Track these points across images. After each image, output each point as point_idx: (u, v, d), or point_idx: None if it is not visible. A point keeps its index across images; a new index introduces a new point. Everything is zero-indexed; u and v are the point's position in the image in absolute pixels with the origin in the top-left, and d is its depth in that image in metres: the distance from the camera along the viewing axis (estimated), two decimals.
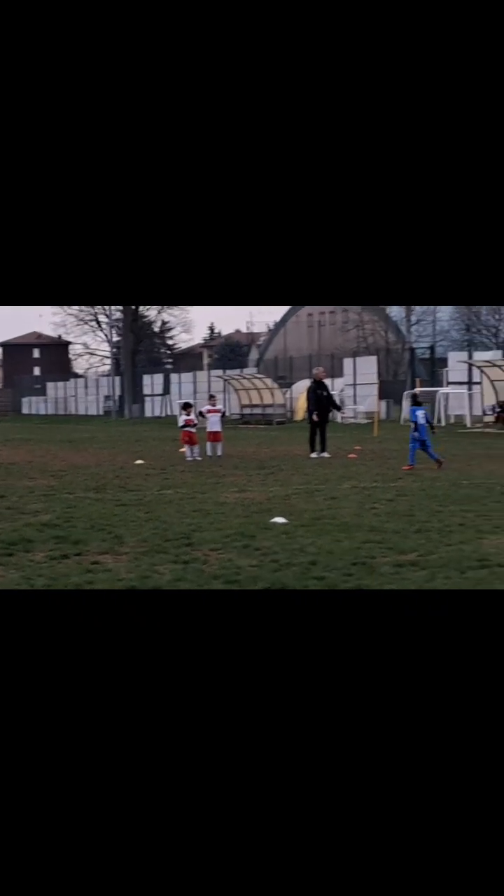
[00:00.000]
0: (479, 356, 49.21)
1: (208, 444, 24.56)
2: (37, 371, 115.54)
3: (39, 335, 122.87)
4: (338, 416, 42.59)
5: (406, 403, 46.97)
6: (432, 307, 63.25)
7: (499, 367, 42.52)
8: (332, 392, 30.79)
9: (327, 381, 27.27)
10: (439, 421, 43.52)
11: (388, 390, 53.52)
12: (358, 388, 51.52)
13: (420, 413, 20.43)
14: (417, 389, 30.65)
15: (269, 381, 53.68)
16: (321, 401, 25.31)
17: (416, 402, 21.57)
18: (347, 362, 54.24)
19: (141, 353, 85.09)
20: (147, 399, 73.13)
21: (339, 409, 25.44)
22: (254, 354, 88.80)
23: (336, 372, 55.44)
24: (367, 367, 52.13)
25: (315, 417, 24.75)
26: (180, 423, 25.97)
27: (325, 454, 24.38)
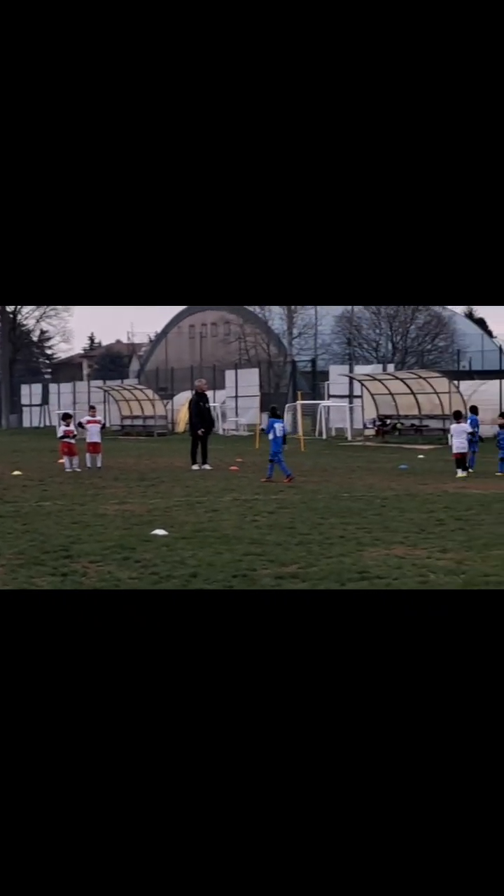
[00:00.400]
0: (360, 370, 49.90)
1: (88, 456, 24.27)
2: None
3: None
4: (219, 429, 42.63)
5: (289, 415, 47.34)
6: (314, 320, 63.94)
7: (379, 380, 43.18)
8: (213, 405, 30.82)
9: (209, 394, 27.24)
10: (320, 434, 43.96)
11: (270, 403, 53.76)
12: (239, 400, 51.68)
13: (278, 426, 20.64)
14: (299, 402, 30.92)
15: (150, 393, 53.48)
16: (203, 413, 25.29)
17: (274, 413, 21.76)
18: (229, 374, 54.40)
19: (19, 362, 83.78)
20: (25, 409, 72.01)
21: (211, 425, 25.65)
22: (135, 365, 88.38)
23: (218, 384, 55.55)
24: (249, 380, 52.36)
25: (200, 432, 24.69)
26: (59, 433, 25.60)
27: (207, 466, 24.35)
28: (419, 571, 9.45)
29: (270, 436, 20.68)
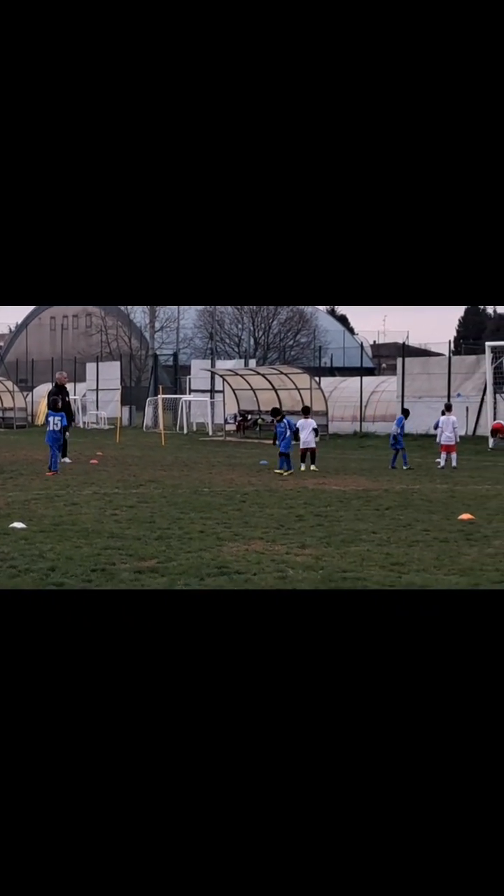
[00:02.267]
0: (222, 364, 50.09)
1: None
2: None
3: None
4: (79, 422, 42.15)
5: (150, 409, 47.18)
6: (176, 314, 63.86)
7: (241, 376, 43.39)
8: (74, 397, 30.44)
9: (69, 386, 26.93)
10: (182, 428, 43.92)
11: (131, 396, 53.54)
12: (100, 393, 51.24)
13: (55, 419, 21.07)
14: (160, 396, 30.87)
15: (9, 384, 52.48)
16: (63, 406, 25.00)
17: (54, 407, 22.19)
18: (90, 367, 53.86)
19: None
20: None
21: (71, 418, 25.67)
22: None
23: (79, 377, 54.92)
24: (111, 373, 51.98)
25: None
26: None
27: (66, 459, 24.04)
28: (278, 567, 9.51)
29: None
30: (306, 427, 22.53)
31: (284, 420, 22.35)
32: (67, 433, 24.69)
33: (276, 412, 23.94)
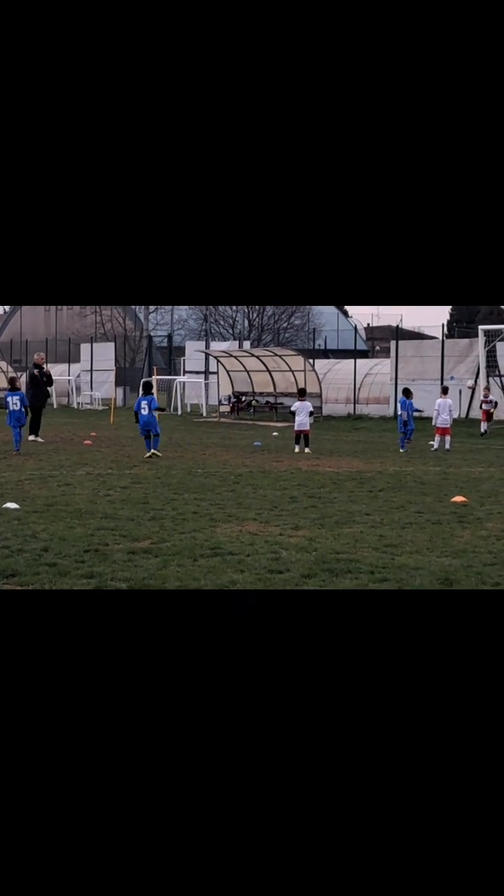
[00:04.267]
0: (216, 346, 50.01)
1: None
2: None
3: None
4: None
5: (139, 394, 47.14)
6: None
7: (235, 357, 43.34)
8: (68, 377, 30.33)
9: (63, 367, 26.98)
10: (176, 410, 43.87)
11: (125, 377, 53.47)
12: (95, 374, 51.16)
13: (13, 399, 21.49)
14: (154, 377, 30.88)
15: (3, 365, 52.35)
16: (39, 385, 25.14)
17: (12, 386, 22.82)
18: (84, 348, 53.74)
19: None
20: None
21: (45, 396, 25.94)
22: None
23: (73, 357, 54.80)
24: (105, 354, 51.86)
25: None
26: None
27: (39, 439, 24.01)
28: (271, 548, 9.53)
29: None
30: (303, 410, 22.54)
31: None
32: (41, 411, 24.74)
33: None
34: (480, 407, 30.74)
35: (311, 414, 22.85)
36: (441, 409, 23.24)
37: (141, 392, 20.93)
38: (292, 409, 22.87)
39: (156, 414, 20.34)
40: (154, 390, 22.59)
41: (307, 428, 22.52)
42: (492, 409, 30.37)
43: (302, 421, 22.42)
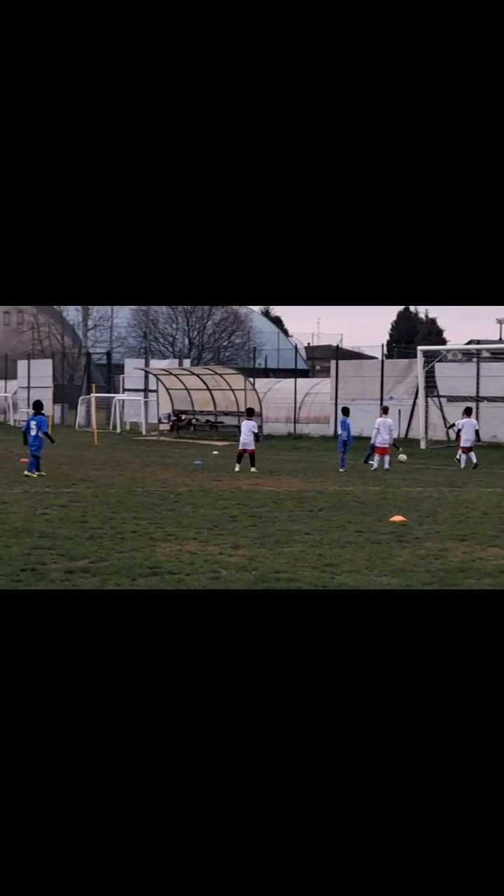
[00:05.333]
0: (156, 364, 49.86)
1: None
2: None
3: None
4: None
5: (83, 408, 46.81)
6: (109, 313, 63.39)
7: (175, 375, 43.24)
8: (4, 394, 30.08)
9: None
10: (115, 428, 43.61)
11: (63, 395, 53.06)
12: (32, 391, 50.69)
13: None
14: (93, 395, 30.64)
15: None
16: None
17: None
18: (22, 364, 53.27)
19: None
20: None
21: None
22: None
23: (10, 374, 54.29)
24: (42, 370, 51.44)
25: None
26: None
27: None
28: (211, 567, 9.46)
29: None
30: (247, 429, 22.55)
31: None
32: None
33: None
34: (453, 437, 28.06)
35: (255, 434, 22.83)
36: (381, 428, 23.36)
37: (32, 412, 20.51)
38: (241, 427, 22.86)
39: (41, 435, 19.84)
40: (45, 410, 21.90)
41: (252, 447, 22.50)
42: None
43: (246, 440, 22.41)
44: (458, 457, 24.74)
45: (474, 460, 24.02)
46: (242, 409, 38.06)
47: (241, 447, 22.58)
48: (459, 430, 25.00)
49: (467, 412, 25.55)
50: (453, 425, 24.88)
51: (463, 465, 24.10)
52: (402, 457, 25.41)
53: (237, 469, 22.10)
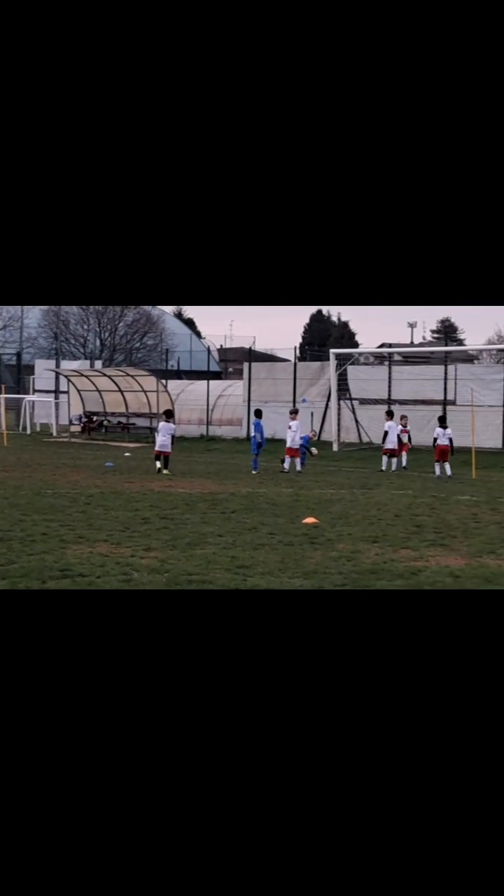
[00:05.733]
0: (67, 365, 49.42)
1: None
2: None
3: None
4: None
5: None
6: (20, 313, 62.61)
7: (86, 377, 42.88)
8: None
9: None
10: (25, 429, 43.08)
11: None
12: None
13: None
14: (2, 396, 30.22)
15: None
16: None
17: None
18: None
19: None
20: None
21: None
22: None
23: None
24: None
25: None
26: None
27: None
28: (122, 570, 9.37)
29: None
30: (165, 430, 22.48)
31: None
32: None
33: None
34: (393, 439, 25.67)
35: (172, 437, 22.76)
36: (297, 430, 23.51)
37: None
38: (157, 429, 22.73)
39: None
40: None
41: (168, 449, 22.44)
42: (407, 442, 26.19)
43: (164, 442, 22.34)
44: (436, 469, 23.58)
45: (403, 463, 24.25)
46: (154, 410, 37.96)
47: (158, 448, 22.48)
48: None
49: (389, 415, 25.75)
50: (437, 438, 24.38)
51: (384, 468, 24.29)
52: (314, 450, 25.64)
53: (162, 469, 21.97)
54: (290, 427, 23.60)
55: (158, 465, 22.12)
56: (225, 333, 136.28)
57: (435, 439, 23.35)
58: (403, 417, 26.28)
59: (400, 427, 25.22)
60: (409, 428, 26.29)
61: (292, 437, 23.43)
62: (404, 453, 25.08)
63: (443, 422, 24.02)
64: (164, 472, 21.82)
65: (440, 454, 23.00)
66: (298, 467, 23.24)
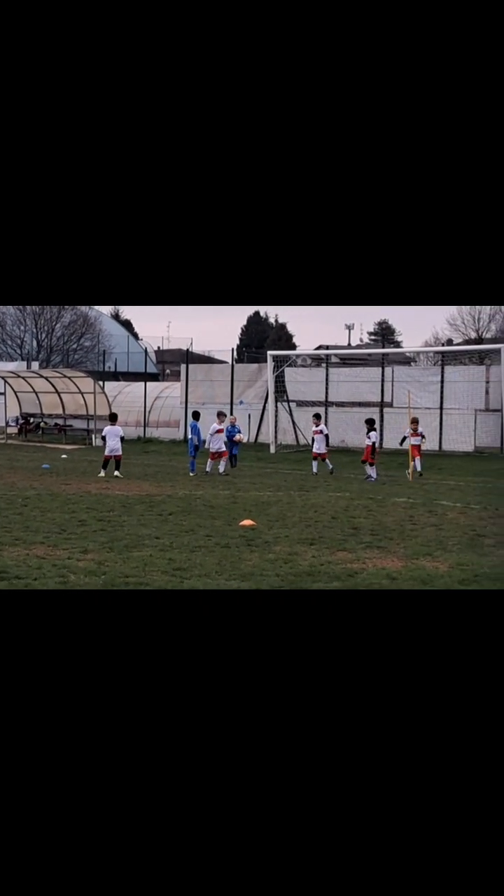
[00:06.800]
0: (3, 366, 48.92)
1: None
2: None
3: None
4: None
5: None
6: None
7: (23, 378, 42.52)
8: None
9: None
10: None
11: None
12: None
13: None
14: None
15: None
16: None
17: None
18: None
19: None
20: None
21: None
22: None
23: None
24: None
25: None
26: None
27: None
28: (59, 572, 9.34)
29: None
30: (113, 434, 22.36)
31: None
32: None
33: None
34: (401, 443, 25.45)
35: (121, 439, 22.64)
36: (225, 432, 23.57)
37: None
38: (103, 433, 22.52)
39: None
40: None
41: (119, 452, 22.32)
42: (422, 444, 24.99)
43: (114, 446, 22.20)
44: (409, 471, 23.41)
45: (330, 466, 24.32)
46: (92, 412, 37.72)
47: (108, 452, 22.31)
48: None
49: (317, 417, 25.82)
50: (405, 439, 24.18)
51: (316, 471, 24.30)
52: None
53: (102, 474, 21.80)
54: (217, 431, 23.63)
55: (103, 472, 21.89)
56: (162, 335, 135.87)
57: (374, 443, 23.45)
58: (414, 421, 24.85)
59: (410, 431, 24.36)
60: (421, 431, 25.09)
61: (218, 442, 23.48)
62: (418, 458, 23.90)
63: (371, 424, 24.06)
64: (116, 473, 21.67)
65: (368, 455, 23.11)
66: (221, 468, 23.24)
